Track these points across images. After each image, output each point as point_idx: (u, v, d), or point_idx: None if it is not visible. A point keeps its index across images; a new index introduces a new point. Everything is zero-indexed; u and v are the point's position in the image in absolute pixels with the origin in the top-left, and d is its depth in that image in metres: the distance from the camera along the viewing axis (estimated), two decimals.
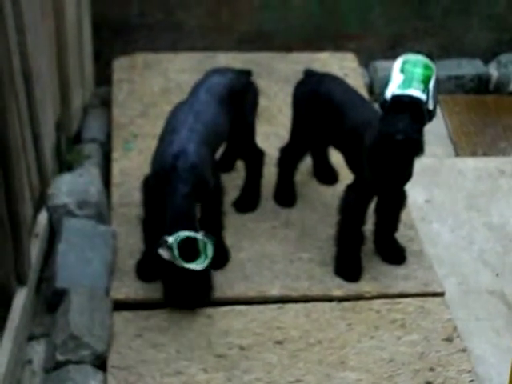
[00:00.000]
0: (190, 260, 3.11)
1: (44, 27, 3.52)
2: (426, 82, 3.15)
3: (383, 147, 3.20)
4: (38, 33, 3.37)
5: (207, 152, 3.31)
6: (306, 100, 3.62)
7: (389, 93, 3.16)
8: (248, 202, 3.81)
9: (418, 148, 3.18)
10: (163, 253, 3.11)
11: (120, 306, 3.33)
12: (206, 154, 3.30)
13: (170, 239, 3.10)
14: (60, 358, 3.04)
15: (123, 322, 3.27)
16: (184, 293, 3.22)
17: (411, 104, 3.12)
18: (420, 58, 3.23)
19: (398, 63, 3.24)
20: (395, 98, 3.14)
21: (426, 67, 3.19)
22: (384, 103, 3.19)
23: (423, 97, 3.12)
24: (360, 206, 3.44)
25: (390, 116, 3.16)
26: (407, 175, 3.40)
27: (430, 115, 3.18)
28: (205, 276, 3.21)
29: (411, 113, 3.13)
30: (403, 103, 3.13)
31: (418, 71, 3.17)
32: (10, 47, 3.02)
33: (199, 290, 3.23)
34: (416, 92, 3.12)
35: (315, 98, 3.58)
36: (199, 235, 3.13)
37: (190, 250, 3.11)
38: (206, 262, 3.13)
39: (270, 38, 4.84)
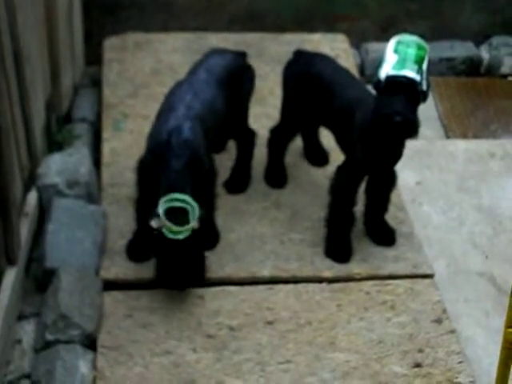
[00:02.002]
0: (179, 224, 3.09)
1: (34, 7, 3.50)
2: (419, 62, 3.15)
3: (379, 128, 3.19)
4: (28, 12, 3.35)
5: (202, 130, 3.30)
6: (296, 79, 3.61)
7: (383, 73, 3.16)
8: (238, 182, 3.81)
9: (414, 129, 3.18)
10: (153, 223, 3.09)
11: (110, 285, 3.32)
12: (201, 133, 3.29)
13: (160, 208, 3.09)
14: (50, 337, 3.04)
15: (113, 301, 3.27)
16: (175, 272, 3.21)
17: (406, 85, 3.12)
18: (413, 39, 3.23)
19: (391, 44, 3.23)
20: (390, 78, 3.13)
21: (420, 48, 3.19)
22: (378, 83, 3.18)
23: (417, 77, 3.12)
24: (350, 187, 3.44)
25: (385, 97, 3.15)
26: (398, 155, 3.40)
27: (424, 96, 3.17)
28: (196, 256, 3.21)
29: (406, 94, 3.13)
30: (399, 84, 3.13)
31: (412, 52, 3.16)
32: (1, 27, 3.00)
33: (190, 269, 3.22)
34: (410, 73, 3.12)
35: (305, 77, 3.58)
36: (188, 199, 3.12)
37: (179, 216, 3.10)
38: (190, 230, 3.11)
39: (262, 19, 4.82)
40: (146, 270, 3.37)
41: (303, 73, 3.59)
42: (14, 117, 3.24)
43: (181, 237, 3.08)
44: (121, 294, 3.31)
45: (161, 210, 3.09)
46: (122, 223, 3.58)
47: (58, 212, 3.46)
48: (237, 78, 3.54)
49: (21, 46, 3.23)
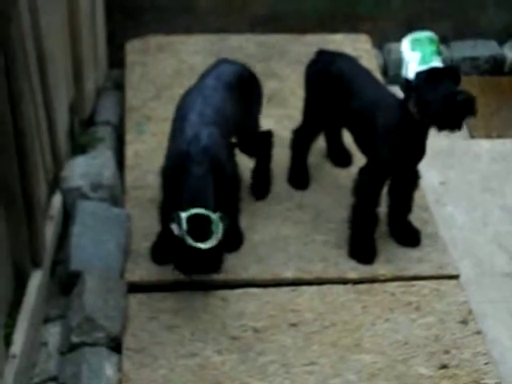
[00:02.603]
0: (200, 239, 3.07)
1: (57, 10, 3.51)
2: (439, 54, 3.17)
3: (437, 114, 3.16)
4: (51, 15, 3.36)
5: (220, 135, 3.29)
6: (318, 78, 3.61)
7: (410, 72, 3.16)
8: (260, 188, 3.79)
9: (475, 105, 3.21)
10: (174, 228, 3.08)
11: (134, 288, 3.33)
12: (219, 137, 3.29)
13: (182, 214, 3.08)
14: (75, 340, 3.05)
15: (138, 304, 3.27)
16: (192, 268, 3.19)
17: (449, 71, 3.15)
18: (423, 35, 3.24)
19: (406, 45, 3.26)
20: (431, 69, 3.14)
21: (432, 41, 3.20)
22: (408, 83, 3.17)
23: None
24: (374, 188, 3.42)
25: (431, 86, 3.14)
26: (422, 153, 3.39)
27: None
28: (215, 252, 3.18)
29: (451, 79, 3.16)
30: (441, 71, 3.14)
31: (429, 48, 3.18)
32: (24, 29, 3.01)
33: (208, 265, 3.20)
34: (440, 64, 3.14)
35: (326, 76, 3.57)
36: (212, 214, 3.11)
37: (201, 229, 3.08)
38: (214, 242, 3.09)
39: (283, 20, 4.81)
40: (170, 273, 3.36)
41: (324, 71, 3.58)
42: (38, 120, 3.25)
43: (202, 246, 3.07)
44: (145, 296, 3.31)
45: (184, 221, 3.07)
46: (146, 226, 3.58)
47: (83, 215, 3.47)
48: (246, 86, 3.53)
49: (44, 49, 3.24)
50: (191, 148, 3.19)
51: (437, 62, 3.16)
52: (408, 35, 3.28)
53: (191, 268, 3.17)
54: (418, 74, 3.17)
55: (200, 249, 3.06)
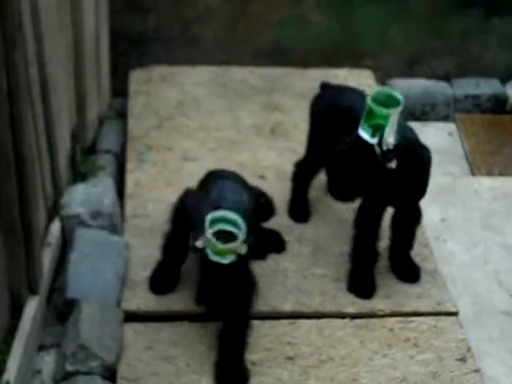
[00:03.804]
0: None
1: (62, 37, 3.52)
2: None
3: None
4: (55, 42, 3.37)
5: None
6: (326, 112, 3.60)
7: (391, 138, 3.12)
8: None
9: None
10: (197, 243, 2.97)
11: (131, 317, 3.30)
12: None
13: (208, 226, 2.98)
14: (69, 368, 3.01)
15: (134, 333, 3.24)
16: (216, 296, 3.07)
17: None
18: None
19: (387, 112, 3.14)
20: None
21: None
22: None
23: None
24: (374, 220, 3.41)
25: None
26: (419, 189, 3.38)
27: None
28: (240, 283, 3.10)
29: None
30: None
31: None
32: (28, 55, 3.01)
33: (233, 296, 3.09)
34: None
35: (335, 110, 3.56)
36: (237, 225, 3.00)
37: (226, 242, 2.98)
38: (236, 254, 2.97)
39: (287, 54, 4.83)
40: (168, 302, 3.35)
41: (332, 105, 3.57)
42: (40, 146, 3.25)
43: (225, 261, 2.97)
44: (142, 326, 3.28)
45: (209, 230, 2.97)
46: (145, 255, 3.57)
47: (81, 242, 3.45)
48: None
49: (47, 76, 3.24)
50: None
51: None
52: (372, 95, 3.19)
53: (213, 293, 3.07)
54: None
55: (222, 265, 2.96)
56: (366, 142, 3.12)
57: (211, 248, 2.93)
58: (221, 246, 2.92)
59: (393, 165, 3.13)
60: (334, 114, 3.56)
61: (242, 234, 2.96)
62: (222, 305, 3.08)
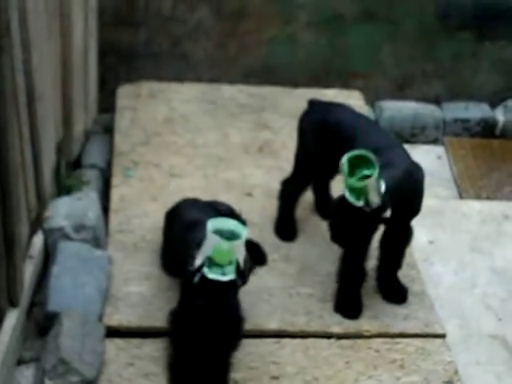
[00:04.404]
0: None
1: (50, 46, 3.48)
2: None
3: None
4: (43, 51, 3.32)
5: None
6: (314, 129, 3.56)
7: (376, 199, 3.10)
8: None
9: None
10: (196, 261, 2.95)
11: (112, 332, 3.24)
12: None
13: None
14: (49, 382, 2.94)
15: (115, 349, 3.18)
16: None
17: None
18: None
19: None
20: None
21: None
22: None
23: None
24: (364, 240, 3.36)
25: None
26: (410, 209, 3.35)
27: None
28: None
29: None
30: None
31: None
32: (15, 64, 2.97)
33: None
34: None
35: (323, 127, 3.52)
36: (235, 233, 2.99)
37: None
38: (235, 268, 2.94)
39: (277, 73, 4.81)
40: (150, 319, 3.29)
41: (321, 121, 3.53)
42: (24, 155, 3.19)
43: (225, 278, 2.92)
44: (123, 342, 3.22)
45: (212, 233, 2.94)
46: (128, 270, 3.51)
47: (63, 255, 3.39)
48: None
49: (34, 85, 3.19)
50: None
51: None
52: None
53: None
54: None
55: (222, 282, 2.93)
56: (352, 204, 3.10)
57: (214, 254, 2.88)
58: (224, 246, 2.88)
59: (387, 214, 3.15)
60: (322, 131, 3.52)
61: (245, 234, 2.95)
62: (215, 328, 3.02)
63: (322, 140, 3.52)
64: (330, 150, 3.49)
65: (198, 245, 3.01)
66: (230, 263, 2.93)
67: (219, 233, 2.95)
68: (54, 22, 3.52)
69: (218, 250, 2.91)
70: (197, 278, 2.95)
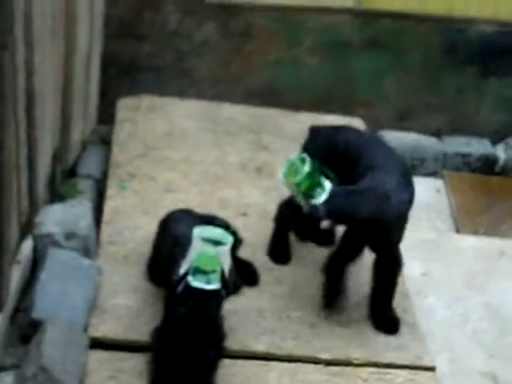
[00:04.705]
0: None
1: (53, 49, 3.43)
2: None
3: None
4: (46, 53, 3.28)
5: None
6: (321, 153, 3.47)
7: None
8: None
9: None
10: (181, 270, 2.93)
11: (97, 344, 3.16)
12: None
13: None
14: None
15: (98, 361, 3.10)
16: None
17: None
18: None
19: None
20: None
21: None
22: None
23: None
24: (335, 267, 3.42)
25: None
26: (397, 237, 3.37)
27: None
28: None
29: None
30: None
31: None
32: (16, 62, 2.92)
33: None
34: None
35: (331, 150, 3.45)
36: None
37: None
38: (220, 275, 2.90)
39: (279, 95, 4.77)
40: (136, 332, 3.22)
41: (329, 144, 3.47)
42: (19, 157, 3.13)
43: (209, 287, 2.87)
44: (107, 354, 3.14)
45: (198, 239, 2.93)
46: (117, 282, 3.45)
47: (52, 262, 3.32)
48: None
49: (34, 87, 3.14)
50: None
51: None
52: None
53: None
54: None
55: (206, 291, 2.88)
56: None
57: (199, 260, 2.84)
58: (210, 251, 2.85)
59: (324, 224, 3.12)
60: (329, 154, 3.45)
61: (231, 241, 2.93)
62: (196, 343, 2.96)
63: (328, 164, 3.45)
64: (336, 172, 3.42)
65: (183, 256, 2.98)
66: (215, 271, 2.88)
67: (205, 240, 2.92)
68: (59, 24, 3.47)
69: (203, 256, 2.88)
70: (180, 287, 2.91)
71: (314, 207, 3.10)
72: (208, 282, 2.87)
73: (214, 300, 2.93)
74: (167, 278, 3.10)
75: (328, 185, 3.13)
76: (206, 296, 2.89)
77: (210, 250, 2.88)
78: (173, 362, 2.97)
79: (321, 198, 3.10)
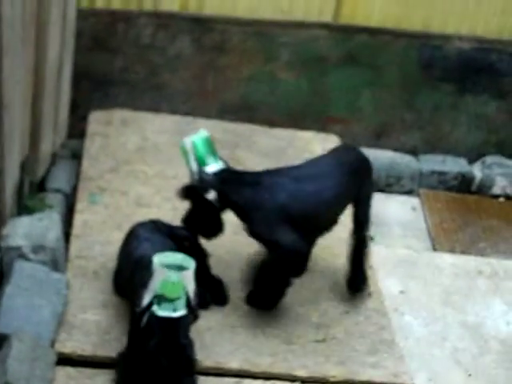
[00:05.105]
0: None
1: (23, 58, 3.33)
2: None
3: None
4: (16, 61, 3.18)
5: None
6: None
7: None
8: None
9: None
10: (144, 299, 2.85)
11: (64, 360, 3.05)
12: None
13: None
14: None
15: (65, 377, 2.99)
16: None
17: None
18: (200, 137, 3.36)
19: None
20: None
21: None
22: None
23: None
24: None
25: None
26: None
27: None
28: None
29: None
30: None
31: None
32: None
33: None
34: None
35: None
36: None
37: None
38: (185, 302, 2.84)
39: (254, 111, 4.69)
40: (105, 348, 3.11)
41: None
42: None
43: (176, 314, 2.81)
44: (75, 371, 3.03)
45: (159, 266, 2.86)
46: (85, 297, 3.34)
47: (19, 276, 3.21)
48: None
49: (2, 94, 3.05)
50: None
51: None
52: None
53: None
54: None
55: (173, 319, 2.81)
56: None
57: (163, 288, 2.78)
58: (174, 278, 2.78)
59: (210, 196, 3.30)
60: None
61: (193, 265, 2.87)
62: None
63: None
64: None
65: (145, 284, 2.89)
66: (180, 297, 2.83)
67: (166, 267, 2.86)
68: (30, 31, 3.38)
69: (167, 283, 2.81)
70: (145, 319, 2.84)
71: (206, 174, 3.29)
72: (174, 310, 2.82)
73: (182, 327, 2.86)
74: (129, 306, 3.08)
75: (221, 161, 3.35)
76: (174, 324, 2.83)
77: (174, 276, 2.82)
78: None
79: (213, 166, 3.31)
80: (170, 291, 2.80)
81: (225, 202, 3.33)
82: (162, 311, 2.82)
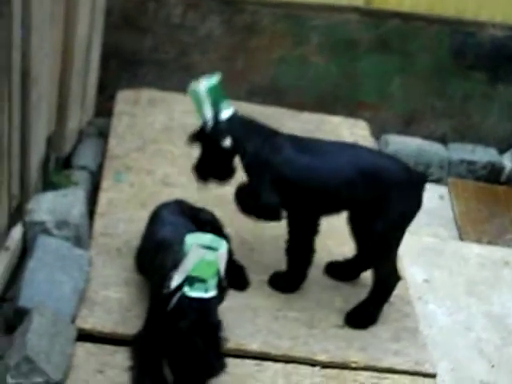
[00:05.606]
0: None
1: (52, 32, 3.31)
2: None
3: None
4: (44, 35, 3.16)
5: None
6: None
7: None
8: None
9: None
10: (173, 282, 2.80)
11: (84, 336, 3.03)
12: None
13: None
14: (11, 381, 2.73)
15: (85, 353, 2.97)
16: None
17: None
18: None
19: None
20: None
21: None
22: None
23: None
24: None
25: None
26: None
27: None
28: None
29: None
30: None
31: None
32: (12, 41, 2.81)
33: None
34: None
35: None
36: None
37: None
38: (215, 290, 2.80)
39: (283, 94, 4.66)
40: (125, 325, 3.09)
41: None
42: (11, 139, 3.02)
43: (207, 295, 2.77)
44: (95, 347, 3.02)
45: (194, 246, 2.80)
46: (108, 274, 3.32)
47: (42, 251, 3.20)
48: None
49: (30, 68, 3.03)
50: None
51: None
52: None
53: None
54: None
55: (205, 299, 2.78)
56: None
57: (198, 268, 2.74)
58: (210, 255, 2.74)
59: (226, 143, 3.27)
60: None
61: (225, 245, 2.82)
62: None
63: None
64: None
65: (168, 266, 2.88)
66: (214, 277, 2.78)
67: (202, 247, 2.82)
68: (59, 7, 3.36)
69: (203, 263, 2.76)
70: (175, 300, 2.79)
71: (221, 120, 3.28)
72: (206, 290, 2.78)
73: (213, 307, 2.83)
74: (151, 287, 3.07)
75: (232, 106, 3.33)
76: (206, 305, 2.80)
77: (211, 255, 2.77)
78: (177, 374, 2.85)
79: (227, 112, 3.32)
80: (205, 271, 2.76)
81: (238, 148, 3.31)
82: (194, 292, 2.77)
